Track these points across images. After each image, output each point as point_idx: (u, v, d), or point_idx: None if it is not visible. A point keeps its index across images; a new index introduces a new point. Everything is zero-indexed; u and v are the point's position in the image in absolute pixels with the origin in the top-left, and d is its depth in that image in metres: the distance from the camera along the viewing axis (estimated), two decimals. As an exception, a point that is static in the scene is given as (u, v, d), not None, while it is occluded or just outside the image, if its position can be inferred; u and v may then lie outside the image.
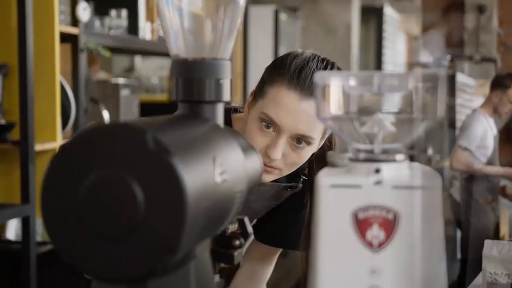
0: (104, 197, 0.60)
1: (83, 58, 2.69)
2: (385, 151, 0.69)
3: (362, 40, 7.11)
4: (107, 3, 3.00)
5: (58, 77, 2.49)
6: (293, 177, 1.41)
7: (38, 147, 2.40)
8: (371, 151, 0.69)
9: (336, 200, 0.67)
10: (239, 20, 0.82)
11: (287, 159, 1.26)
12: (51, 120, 2.48)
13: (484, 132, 4.23)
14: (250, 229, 0.85)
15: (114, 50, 3.24)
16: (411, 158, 0.72)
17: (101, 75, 4.08)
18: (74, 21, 2.66)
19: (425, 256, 0.66)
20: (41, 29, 2.45)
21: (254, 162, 0.84)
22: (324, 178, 0.68)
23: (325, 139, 1.33)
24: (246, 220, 0.84)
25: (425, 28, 10.13)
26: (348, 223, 0.67)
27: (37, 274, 2.42)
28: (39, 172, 2.39)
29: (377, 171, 0.67)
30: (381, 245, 0.67)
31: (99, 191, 0.61)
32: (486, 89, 8.74)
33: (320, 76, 0.69)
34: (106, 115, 2.94)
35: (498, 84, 4.28)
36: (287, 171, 1.30)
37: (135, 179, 0.60)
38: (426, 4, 10.06)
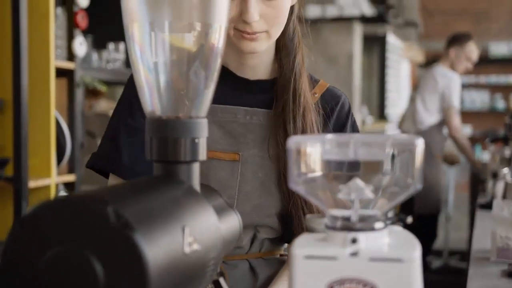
0: (63, 274, 0.57)
1: (79, 93, 2.67)
2: (363, 219, 0.66)
3: (365, 68, 7.10)
4: (105, 37, 3.00)
5: (53, 113, 2.47)
6: None
7: (32, 183, 2.38)
8: (348, 219, 0.66)
9: (310, 272, 0.64)
10: (216, 75, 0.80)
11: (266, 16, 1.18)
12: (46, 156, 2.45)
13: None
14: (228, 290, 0.82)
15: (112, 83, 3.23)
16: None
17: (103, 104, 4.06)
18: (71, 56, 2.65)
19: (404, 332, 0.63)
20: (36, 64, 2.44)
21: (231, 223, 0.81)
22: (298, 248, 0.64)
23: None
24: (222, 280, 0.81)
25: (429, 55, 10.16)
26: (324, 297, 0.64)
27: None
28: (32, 209, 2.35)
29: (354, 241, 0.64)
30: (358, 320, 0.63)
31: (58, 268, 0.58)
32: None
33: (293, 141, 0.66)
34: (103, 149, 2.91)
35: (455, 40, 4.34)
36: (275, 32, 1.21)
37: (96, 255, 0.57)
38: (428, 31, 10.09)
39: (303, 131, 1.22)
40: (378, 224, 0.66)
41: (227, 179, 1.22)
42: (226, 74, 1.27)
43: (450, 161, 5.07)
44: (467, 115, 10.29)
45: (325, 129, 1.28)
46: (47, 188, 2.49)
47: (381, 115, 7.39)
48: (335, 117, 1.31)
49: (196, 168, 0.77)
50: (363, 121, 6.35)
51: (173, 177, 0.75)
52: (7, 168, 2.36)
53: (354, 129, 1.33)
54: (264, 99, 1.28)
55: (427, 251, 4.56)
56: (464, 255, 5.32)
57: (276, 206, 1.25)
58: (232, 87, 1.26)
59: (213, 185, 1.23)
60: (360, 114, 6.22)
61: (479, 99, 10.33)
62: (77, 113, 2.66)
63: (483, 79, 10.19)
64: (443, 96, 4.33)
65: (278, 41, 1.28)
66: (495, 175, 3.11)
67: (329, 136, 0.67)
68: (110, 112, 3.39)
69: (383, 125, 7.11)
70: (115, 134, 1.27)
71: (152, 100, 0.78)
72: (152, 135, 0.76)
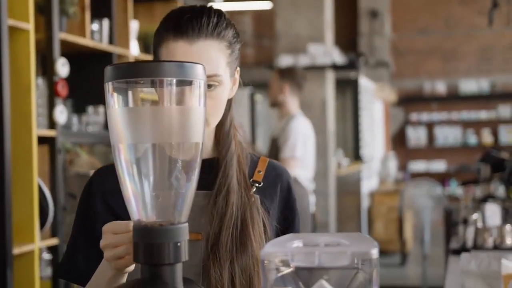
0: None
1: (60, 158, 2.75)
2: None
3: (339, 111, 7.25)
4: (85, 101, 3.10)
5: (36, 180, 2.55)
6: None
7: (16, 250, 2.44)
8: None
9: None
10: (194, 186, 0.90)
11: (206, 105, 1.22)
12: (29, 222, 2.52)
13: None
14: None
15: (93, 144, 3.31)
16: None
17: (84, 158, 4.11)
18: (52, 123, 2.74)
19: None
20: (19, 133, 2.52)
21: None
22: None
23: (237, 80, 1.31)
24: None
25: (401, 94, 10.39)
26: None
27: None
28: (17, 276, 2.42)
29: None
30: None
31: None
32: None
33: (265, 252, 0.76)
34: (84, 209, 2.98)
35: None
36: (213, 120, 1.26)
37: None
38: (400, 70, 10.34)
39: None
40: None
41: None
42: None
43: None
44: (440, 151, 10.50)
45: (271, 207, 1.33)
46: (31, 253, 2.55)
47: (356, 156, 7.53)
48: (284, 197, 1.37)
49: (179, 268, 0.87)
50: (339, 164, 6.47)
51: (158, 278, 0.84)
52: (-9, 236, 2.42)
53: (295, 208, 1.38)
54: (210, 179, 1.30)
55: None
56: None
57: None
58: None
59: None
60: (336, 158, 6.34)
61: (452, 135, 10.55)
62: (59, 178, 2.75)
63: (455, 115, 10.42)
64: None
65: (217, 131, 1.34)
66: (465, 221, 3.21)
67: (296, 245, 0.77)
68: (88, 173, 3.45)
69: (359, 166, 7.25)
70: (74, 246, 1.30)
71: (138, 210, 0.87)
72: (139, 240, 0.86)
